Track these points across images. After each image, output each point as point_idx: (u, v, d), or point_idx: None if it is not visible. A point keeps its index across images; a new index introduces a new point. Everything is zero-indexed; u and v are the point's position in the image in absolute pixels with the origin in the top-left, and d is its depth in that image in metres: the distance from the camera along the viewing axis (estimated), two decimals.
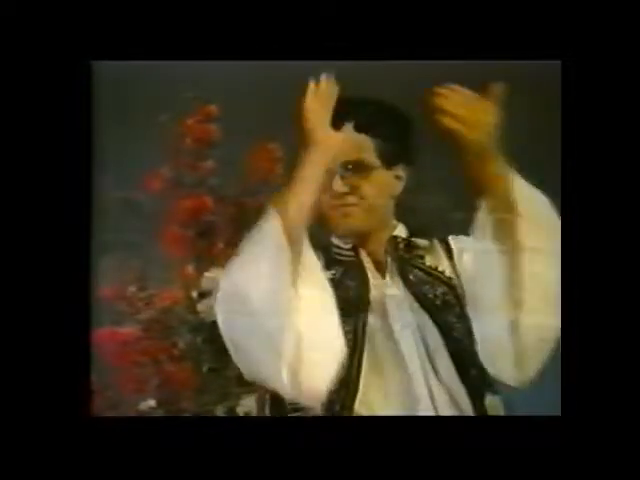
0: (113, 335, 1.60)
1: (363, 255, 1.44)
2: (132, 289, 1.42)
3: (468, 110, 1.30)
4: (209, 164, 1.73)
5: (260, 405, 1.62)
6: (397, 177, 1.46)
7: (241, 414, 1.81)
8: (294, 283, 1.28)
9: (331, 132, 1.32)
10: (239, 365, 1.32)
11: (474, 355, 1.36)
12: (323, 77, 1.31)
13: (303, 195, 1.30)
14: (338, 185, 1.39)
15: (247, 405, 1.78)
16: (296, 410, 1.32)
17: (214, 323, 1.33)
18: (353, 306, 1.37)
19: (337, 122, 1.34)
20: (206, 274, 1.42)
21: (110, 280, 1.62)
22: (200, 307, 1.42)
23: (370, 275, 1.43)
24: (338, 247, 1.45)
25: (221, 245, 1.46)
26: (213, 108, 1.89)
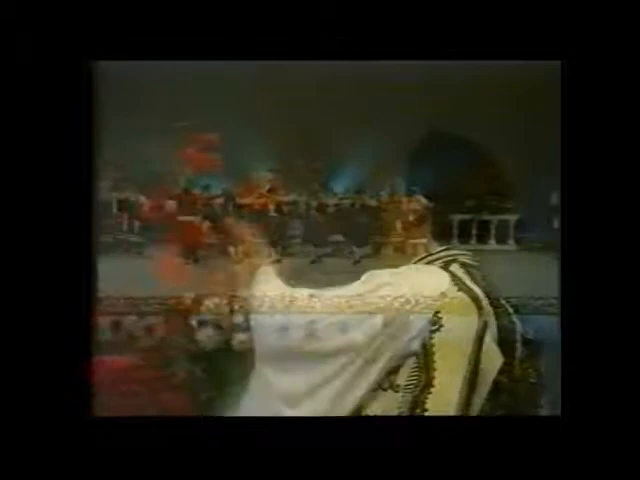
0: (110, 364, 1.55)
1: None
2: (131, 318, 1.39)
3: None
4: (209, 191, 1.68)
5: None
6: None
7: None
8: None
9: None
10: None
11: None
12: None
13: None
14: None
15: None
16: None
17: (213, 352, 1.32)
18: None
19: None
20: (205, 302, 1.39)
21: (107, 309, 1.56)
22: (199, 336, 1.39)
23: None
24: None
25: (220, 274, 1.44)
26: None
